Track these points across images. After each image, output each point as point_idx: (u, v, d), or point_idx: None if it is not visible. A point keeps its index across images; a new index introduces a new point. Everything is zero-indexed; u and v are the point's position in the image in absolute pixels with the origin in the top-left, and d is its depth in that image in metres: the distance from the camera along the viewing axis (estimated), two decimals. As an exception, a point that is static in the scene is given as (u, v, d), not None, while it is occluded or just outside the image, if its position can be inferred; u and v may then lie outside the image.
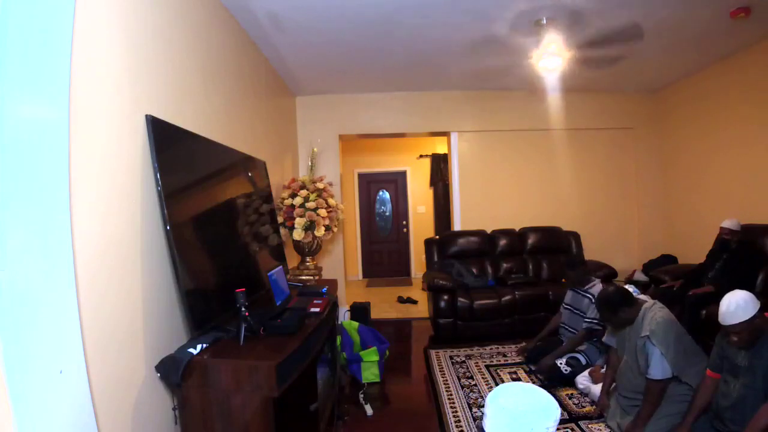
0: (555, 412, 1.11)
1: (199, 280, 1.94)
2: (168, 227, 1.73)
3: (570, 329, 3.40)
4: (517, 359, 3.65)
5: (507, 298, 4.20)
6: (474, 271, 4.66)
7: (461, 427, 2.61)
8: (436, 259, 4.84)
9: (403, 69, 4.34)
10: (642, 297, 2.55)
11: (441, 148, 7.48)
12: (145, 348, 1.72)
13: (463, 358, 3.73)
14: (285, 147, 4.46)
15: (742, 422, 1.91)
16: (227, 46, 2.83)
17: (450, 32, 3.43)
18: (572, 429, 2.54)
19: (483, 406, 1.18)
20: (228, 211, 2.37)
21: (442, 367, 3.56)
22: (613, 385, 2.64)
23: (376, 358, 3.34)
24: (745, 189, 4.12)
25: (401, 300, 5.99)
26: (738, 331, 1.93)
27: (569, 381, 3.07)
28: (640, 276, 4.87)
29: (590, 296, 3.28)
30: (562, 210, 5.38)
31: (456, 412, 2.80)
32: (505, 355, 3.76)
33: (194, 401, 1.69)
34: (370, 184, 7.85)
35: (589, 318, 3.20)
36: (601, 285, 3.31)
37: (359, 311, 4.37)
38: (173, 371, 1.65)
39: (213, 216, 2.18)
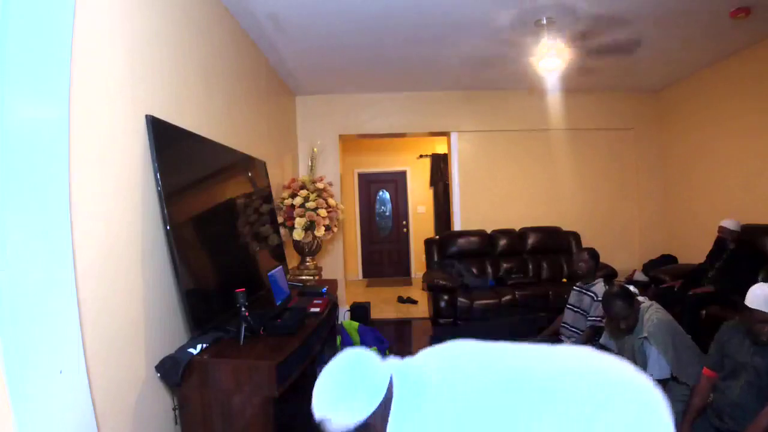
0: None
1: (200, 280, 1.95)
2: (168, 227, 1.73)
3: (571, 329, 3.40)
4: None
5: (507, 298, 4.19)
6: (474, 271, 4.66)
7: (461, 427, 2.61)
8: (436, 259, 4.84)
9: (403, 69, 4.34)
10: (639, 298, 2.55)
11: (441, 148, 7.48)
12: (145, 348, 1.71)
13: (463, 358, 3.72)
14: (285, 147, 4.46)
15: (743, 420, 1.90)
16: (228, 46, 2.83)
17: (450, 32, 3.43)
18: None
19: None
20: (228, 211, 2.37)
21: (442, 367, 3.55)
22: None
23: (376, 358, 3.34)
24: (745, 189, 4.12)
25: (401, 300, 5.99)
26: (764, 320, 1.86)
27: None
28: (640, 276, 4.86)
29: (592, 294, 3.27)
30: (562, 210, 5.38)
31: (456, 412, 2.79)
32: (505, 355, 3.76)
33: (194, 401, 1.69)
34: (370, 184, 7.85)
35: (592, 317, 3.20)
36: (603, 283, 3.31)
37: (359, 311, 4.37)
38: (173, 371, 1.66)
39: (213, 216, 2.18)
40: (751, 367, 1.95)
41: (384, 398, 1.06)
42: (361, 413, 1.04)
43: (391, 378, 1.10)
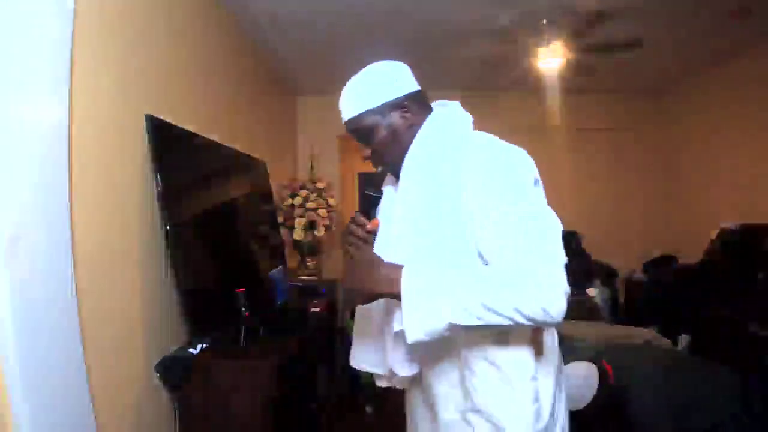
0: None
1: (199, 280, 1.94)
2: (168, 227, 1.73)
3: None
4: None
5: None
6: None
7: (461, 427, 2.61)
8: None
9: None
10: None
11: (441, 148, 7.48)
12: (144, 348, 1.71)
13: (463, 358, 3.72)
14: (285, 147, 4.45)
15: None
16: (227, 46, 2.83)
17: (450, 32, 3.43)
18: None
19: None
20: (228, 211, 2.37)
21: (442, 367, 3.55)
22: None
23: (376, 358, 3.33)
24: (745, 189, 4.12)
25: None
26: None
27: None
28: (640, 276, 4.86)
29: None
30: (561, 210, 5.15)
31: (456, 412, 2.79)
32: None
33: (194, 401, 1.69)
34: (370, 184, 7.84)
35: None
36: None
37: (359, 311, 4.36)
38: (173, 371, 1.66)
39: (213, 216, 2.18)
40: None
41: (392, 102, 1.08)
42: (358, 104, 1.07)
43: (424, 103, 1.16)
